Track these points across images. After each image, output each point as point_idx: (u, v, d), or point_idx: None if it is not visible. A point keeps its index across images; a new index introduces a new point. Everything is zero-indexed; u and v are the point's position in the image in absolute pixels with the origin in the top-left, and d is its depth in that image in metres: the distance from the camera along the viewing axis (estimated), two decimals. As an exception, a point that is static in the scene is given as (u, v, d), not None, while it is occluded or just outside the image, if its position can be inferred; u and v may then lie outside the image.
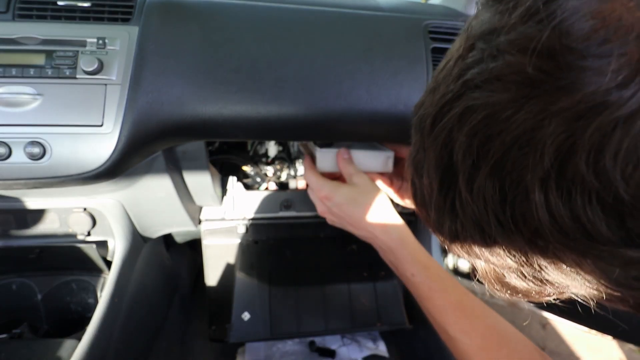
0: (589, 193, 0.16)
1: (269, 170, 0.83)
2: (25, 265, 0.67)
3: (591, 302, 0.21)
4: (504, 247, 0.21)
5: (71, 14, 0.52)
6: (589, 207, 0.16)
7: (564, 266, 0.19)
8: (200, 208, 0.83)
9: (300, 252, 0.88)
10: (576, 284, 0.20)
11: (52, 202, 0.64)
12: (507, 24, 0.18)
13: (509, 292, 0.24)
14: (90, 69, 0.49)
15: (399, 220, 0.53)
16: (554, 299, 0.23)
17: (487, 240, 0.21)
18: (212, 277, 0.88)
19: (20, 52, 0.49)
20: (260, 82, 0.52)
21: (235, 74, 0.52)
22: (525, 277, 0.22)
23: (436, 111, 0.22)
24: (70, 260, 0.67)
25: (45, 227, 0.66)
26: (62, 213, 0.65)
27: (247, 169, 0.81)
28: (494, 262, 0.22)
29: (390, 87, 0.56)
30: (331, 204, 0.56)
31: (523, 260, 0.20)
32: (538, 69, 0.17)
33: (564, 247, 0.18)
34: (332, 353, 0.91)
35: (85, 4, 0.53)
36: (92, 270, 0.69)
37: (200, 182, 0.69)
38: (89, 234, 0.66)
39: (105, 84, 0.49)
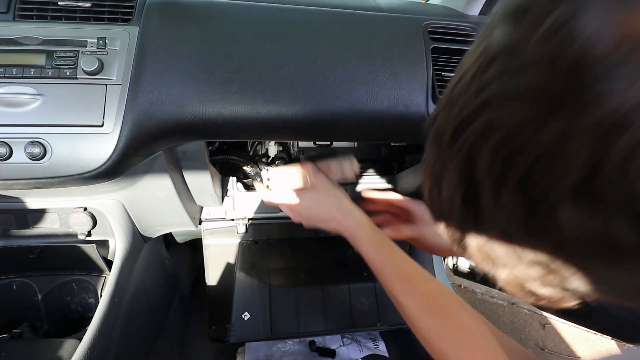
0: (616, 207, 0.16)
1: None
2: (26, 265, 0.67)
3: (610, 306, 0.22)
4: (528, 258, 0.21)
5: (71, 14, 0.52)
6: (616, 221, 0.17)
7: (589, 276, 0.19)
8: (201, 208, 0.83)
9: (300, 252, 0.88)
10: (600, 292, 0.20)
11: (53, 202, 0.64)
12: (529, 41, 0.18)
13: (533, 298, 0.24)
14: (90, 69, 0.49)
15: (355, 210, 0.59)
16: (576, 305, 0.23)
17: (511, 252, 0.21)
18: (212, 277, 0.88)
19: (21, 52, 0.49)
20: (260, 82, 0.52)
21: (235, 74, 0.52)
22: (549, 285, 0.22)
23: (455, 126, 0.22)
24: (71, 260, 0.67)
25: (45, 227, 0.66)
26: (62, 213, 0.65)
27: (247, 169, 0.81)
28: (517, 272, 0.22)
29: (390, 87, 0.56)
30: (299, 210, 0.61)
31: (547, 271, 0.21)
32: (561, 88, 0.17)
33: (589, 258, 0.18)
34: (332, 353, 0.91)
35: (86, 5, 0.53)
36: (93, 270, 0.69)
37: (200, 182, 0.69)
38: (89, 234, 0.67)
39: (106, 84, 0.49)
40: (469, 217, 0.22)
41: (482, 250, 0.23)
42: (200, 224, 0.84)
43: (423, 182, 0.27)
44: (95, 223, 0.66)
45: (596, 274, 0.19)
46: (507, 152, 0.19)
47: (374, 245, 0.54)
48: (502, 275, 0.24)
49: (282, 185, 0.67)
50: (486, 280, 0.71)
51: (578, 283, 0.20)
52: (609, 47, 0.16)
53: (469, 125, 0.21)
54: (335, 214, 0.58)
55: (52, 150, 0.48)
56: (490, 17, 0.22)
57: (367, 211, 0.59)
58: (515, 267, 0.22)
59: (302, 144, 0.79)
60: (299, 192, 0.62)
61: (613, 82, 0.16)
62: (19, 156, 0.48)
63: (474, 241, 0.23)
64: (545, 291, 0.23)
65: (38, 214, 0.65)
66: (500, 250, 0.22)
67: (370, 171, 0.89)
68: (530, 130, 0.18)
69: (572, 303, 0.23)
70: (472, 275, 1.04)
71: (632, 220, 0.16)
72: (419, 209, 0.64)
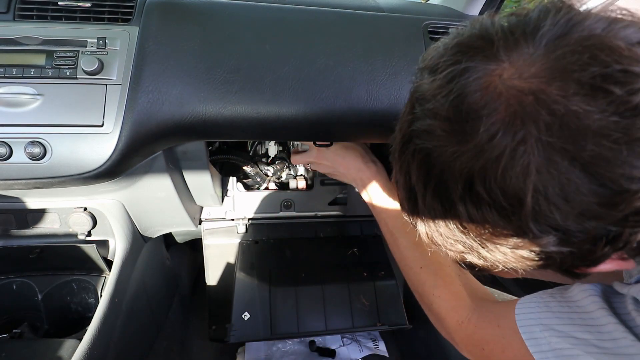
0: (487, 204, 0.26)
1: (269, 170, 0.83)
2: (26, 265, 0.67)
3: (522, 272, 0.32)
4: (452, 240, 0.31)
5: (72, 15, 0.52)
6: (489, 212, 0.27)
7: (492, 249, 0.29)
8: (201, 208, 0.83)
9: (300, 252, 0.88)
10: (506, 261, 0.30)
11: (53, 202, 0.64)
12: (429, 94, 0.29)
13: (475, 269, 0.34)
14: (90, 69, 0.49)
15: (376, 164, 0.64)
16: (503, 269, 0.31)
17: (443, 237, 0.31)
18: (212, 277, 0.88)
19: (21, 52, 0.49)
20: (260, 82, 0.52)
21: (235, 74, 0.52)
22: (475, 257, 0.31)
23: (399, 148, 0.32)
24: (71, 260, 0.67)
25: (45, 227, 0.66)
26: (62, 213, 0.65)
27: (247, 169, 0.81)
28: (452, 250, 0.32)
29: (390, 87, 0.56)
30: (328, 157, 0.67)
31: (466, 247, 0.31)
32: (445, 129, 0.27)
33: (483, 238, 0.29)
34: (332, 353, 0.91)
35: (86, 5, 0.53)
36: (93, 270, 0.69)
37: (200, 182, 0.69)
38: (89, 234, 0.66)
39: (106, 84, 0.49)
40: (415, 212, 0.33)
41: (427, 235, 0.33)
42: (200, 224, 0.84)
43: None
44: (95, 223, 0.66)
45: (493, 248, 0.29)
46: (426, 169, 0.29)
47: (383, 189, 0.62)
48: (449, 254, 0.33)
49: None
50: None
51: (490, 255, 0.30)
52: (473, 100, 0.26)
53: (406, 150, 0.31)
54: (356, 164, 0.64)
55: (52, 150, 0.48)
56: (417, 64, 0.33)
57: None
58: (448, 246, 0.32)
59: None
60: (326, 147, 0.67)
61: (474, 125, 0.26)
62: (19, 156, 0.48)
63: (422, 228, 0.33)
64: (478, 261, 0.32)
65: (38, 214, 0.65)
66: (436, 235, 0.32)
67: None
68: (437, 153, 0.28)
69: (498, 269, 0.31)
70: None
71: (499, 211, 0.26)
72: None
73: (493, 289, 0.90)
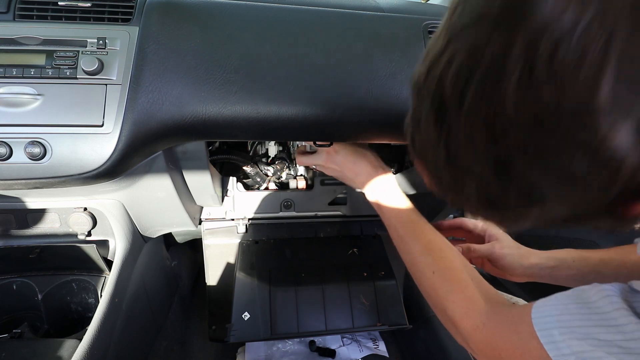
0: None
1: (269, 170, 0.83)
2: (26, 265, 0.67)
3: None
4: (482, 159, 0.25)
5: (72, 14, 0.52)
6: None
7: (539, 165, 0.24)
8: (201, 208, 0.83)
9: (300, 252, 0.88)
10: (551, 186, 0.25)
11: (53, 202, 0.64)
12: None
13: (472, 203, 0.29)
14: (90, 69, 0.49)
15: (385, 170, 0.64)
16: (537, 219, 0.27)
17: (477, 152, 0.25)
18: (212, 277, 0.88)
19: (21, 52, 0.49)
20: (260, 82, 0.52)
21: (235, 74, 0.52)
22: (517, 193, 0.26)
23: (427, 66, 0.27)
24: (71, 260, 0.67)
25: (45, 226, 0.66)
26: (62, 213, 0.65)
27: (247, 169, 0.81)
28: (474, 172, 0.26)
29: (390, 87, 0.56)
30: (335, 155, 0.66)
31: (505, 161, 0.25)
32: (497, 12, 0.22)
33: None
34: (332, 353, 0.91)
35: (86, 5, 0.53)
36: (93, 270, 0.69)
37: (200, 182, 0.69)
38: (89, 234, 0.67)
39: (106, 84, 0.49)
40: (442, 139, 0.27)
41: (456, 183, 0.28)
42: (200, 224, 0.84)
43: (406, 128, 0.31)
44: (95, 223, 0.66)
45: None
46: (467, 70, 0.24)
47: (394, 195, 0.61)
48: (468, 207, 0.30)
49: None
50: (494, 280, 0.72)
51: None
52: None
53: (438, 61, 0.26)
54: (367, 169, 0.63)
55: (52, 150, 0.48)
56: None
57: None
58: (474, 167, 0.26)
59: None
60: (334, 149, 0.67)
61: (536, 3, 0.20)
62: (19, 156, 0.48)
63: (447, 175, 0.28)
64: (477, 192, 0.27)
65: (38, 214, 0.65)
66: (468, 181, 0.27)
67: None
68: (482, 48, 0.23)
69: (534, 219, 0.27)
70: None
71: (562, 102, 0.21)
72: (493, 228, 0.66)
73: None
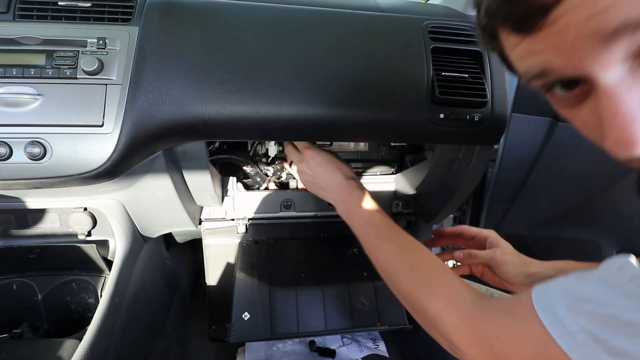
0: None
1: (269, 170, 0.83)
2: (26, 265, 0.67)
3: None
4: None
5: (72, 14, 0.52)
6: None
7: None
8: (201, 208, 0.83)
9: (300, 252, 0.88)
10: None
11: (53, 202, 0.64)
12: None
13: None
14: (90, 69, 0.49)
15: (355, 180, 0.63)
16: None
17: None
18: (212, 277, 0.88)
19: (21, 52, 0.49)
20: (260, 82, 0.52)
21: (235, 74, 0.52)
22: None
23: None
24: (71, 260, 0.67)
25: (45, 227, 0.66)
26: (62, 213, 0.65)
27: (247, 169, 0.81)
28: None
29: (390, 87, 0.56)
30: (310, 160, 0.66)
31: None
32: None
33: None
34: (332, 353, 0.91)
35: (86, 5, 0.53)
36: (93, 270, 0.69)
37: (200, 182, 0.69)
38: (89, 234, 0.67)
39: (106, 84, 0.49)
40: None
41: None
42: (200, 224, 0.84)
43: None
44: (95, 223, 0.66)
45: None
46: None
47: (365, 201, 0.60)
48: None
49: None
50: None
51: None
52: None
53: None
54: (339, 180, 0.63)
55: (52, 150, 0.48)
56: None
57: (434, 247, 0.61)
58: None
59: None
60: (310, 154, 0.66)
61: None
62: (19, 156, 0.48)
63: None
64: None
65: (38, 214, 0.65)
66: None
67: (370, 171, 0.89)
68: None
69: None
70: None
71: None
72: (494, 235, 0.65)
73: (492, 289, 0.89)
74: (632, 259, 0.29)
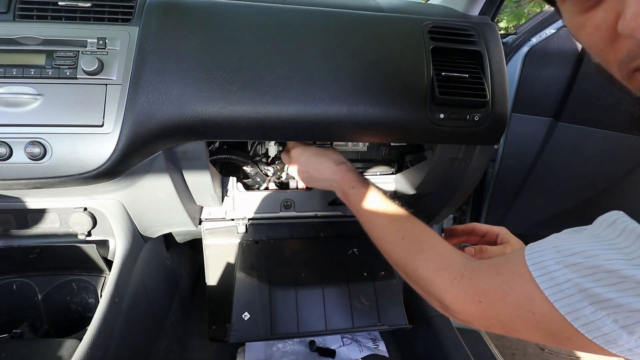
0: None
1: (269, 170, 0.83)
2: (26, 265, 0.67)
3: None
4: None
5: (72, 15, 0.52)
6: None
7: None
8: (201, 208, 0.83)
9: (300, 252, 0.88)
10: None
11: (53, 202, 0.64)
12: None
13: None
14: (90, 69, 0.49)
15: (346, 164, 0.66)
16: None
17: None
18: (212, 277, 0.88)
19: (21, 52, 0.49)
20: (260, 82, 0.52)
21: (235, 74, 0.52)
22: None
23: None
24: (71, 260, 0.67)
25: (45, 227, 0.66)
26: (62, 213, 0.65)
27: (247, 169, 0.81)
28: None
29: (390, 87, 0.56)
30: (300, 157, 0.68)
31: None
32: None
33: None
34: (332, 353, 0.91)
35: (86, 5, 0.53)
36: (93, 270, 0.69)
37: (200, 182, 0.69)
38: (89, 234, 0.67)
39: (106, 84, 0.49)
40: None
41: None
42: (200, 224, 0.84)
43: None
44: (95, 223, 0.66)
45: None
46: None
47: (358, 182, 0.62)
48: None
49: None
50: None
51: None
52: None
53: None
54: (331, 166, 0.65)
55: (52, 150, 0.48)
56: None
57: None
58: None
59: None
60: (298, 151, 0.69)
61: None
62: (19, 156, 0.48)
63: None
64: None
65: (38, 214, 0.65)
66: None
67: (370, 171, 0.89)
68: None
69: None
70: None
71: None
72: (505, 232, 0.67)
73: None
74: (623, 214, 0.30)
